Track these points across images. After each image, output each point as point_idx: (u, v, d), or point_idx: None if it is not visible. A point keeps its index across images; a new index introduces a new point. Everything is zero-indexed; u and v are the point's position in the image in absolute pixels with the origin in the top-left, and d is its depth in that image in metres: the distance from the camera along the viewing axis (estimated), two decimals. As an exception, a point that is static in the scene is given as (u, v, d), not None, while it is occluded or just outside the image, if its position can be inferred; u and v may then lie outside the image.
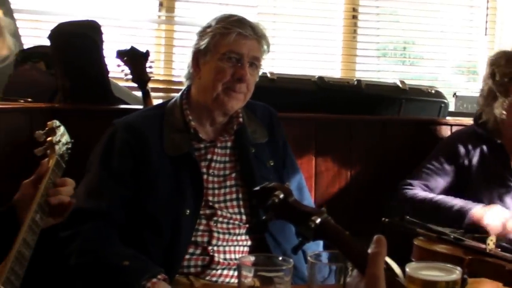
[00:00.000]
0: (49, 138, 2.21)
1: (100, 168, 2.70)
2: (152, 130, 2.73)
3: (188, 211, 2.63)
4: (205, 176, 2.72)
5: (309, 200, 3.00)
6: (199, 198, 2.68)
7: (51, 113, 3.57)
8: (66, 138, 2.30)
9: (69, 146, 2.31)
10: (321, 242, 2.54)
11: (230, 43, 2.69)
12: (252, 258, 1.86)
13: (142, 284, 2.32)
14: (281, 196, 1.54)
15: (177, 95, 2.89)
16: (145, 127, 2.73)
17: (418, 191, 3.36)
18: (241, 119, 2.80)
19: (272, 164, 2.85)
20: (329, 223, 1.51)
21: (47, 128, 2.24)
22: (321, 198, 3.71)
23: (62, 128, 2.30)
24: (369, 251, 1.38)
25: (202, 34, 2.76)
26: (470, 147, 3.42)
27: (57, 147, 2.20)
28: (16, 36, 4.44)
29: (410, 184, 3.40)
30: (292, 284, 1.83)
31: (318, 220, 1.49)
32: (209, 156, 2.76)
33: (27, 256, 1.82)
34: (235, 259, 2.68)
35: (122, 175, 2.66)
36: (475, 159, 3.40)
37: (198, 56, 2.76)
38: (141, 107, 3.47)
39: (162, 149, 2.69)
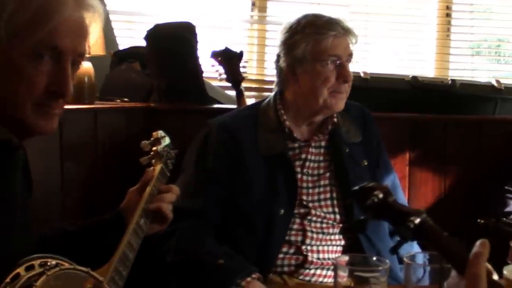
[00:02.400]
0: (154, 148, 2.28)
1: (195, 168, 2.75)
2: (246, 130, 2.75)
3: (282, 211, 2.64)
4: (299, 176, 2.73)
5: (402, 200, 2.98)
6: (293, 197, 2.69)
7: (146, 112, 3.65)
8: (170, 147, 2.35)
9: (173, 155, 2.36)
10: (415, 243, 2.52)
11: (327, 48, 2.65)
12: (348, 258, 1.85)
13: (237, 283, 2.35)
14: (381, 196, 1.54)
15: (270, 94, 2.90)
16: (240, 127, 2.76)
17: None
18: (335, 119, 2.79)
19: (366, 163, 2.83)
20: (428, 223, 1.50)
21: (152, 138, 2.30)
22: (414, 198, 3.68)
23: (167, 138, 2.36)
24: (472, 252, 1.36)
25: (292, 42, 2.72)
26: None
27: (162, 156, 2.26)
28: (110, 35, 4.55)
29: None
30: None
31: (418, 220, 1.48)
32: (303, 156, 2.76)
33: (131, 258, 1.86)
34: (329, 258, 2.68)
35: (217, 175, 2.71)
36: None
37: (294, 65, 2.73)
38: (234, 106, 3.50)
39: (257, 149, 2.71)
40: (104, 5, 4.58)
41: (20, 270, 1.46)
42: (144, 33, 3.80)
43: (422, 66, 5.67)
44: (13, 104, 1.64)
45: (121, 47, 4.66)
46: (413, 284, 1.76)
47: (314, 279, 2.67)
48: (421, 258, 1.82)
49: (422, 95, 3.78)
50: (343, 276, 1.76)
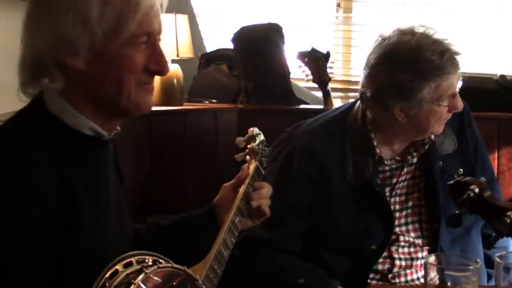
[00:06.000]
0: (249, 145, 2.28)
1: (274, 192, 2.40)
2: (333, 154, 2.54)
3: (374, 247, 2.51)
4: (389, 199, 2.58)
5: (499, 197, 2.78)
6: (388, 236, 2.53)
7: (234, 113, 3.69)
8: (265, 145, 2.36)
9: (268, 153, 2.37)
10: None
11: (448, 89, 2.43)
12: (438, 258, 1.84)
13: None
14: (476, 190, 1.53)
15: (356, 95, 2.66)
16: (326, 151, 2.54)
17: None
18: (432, 136, 2.56)
19: (461, 172, 2.59)
20: (525, 218, 1.49)
21: (247, 135, 2.31)
22: (502, 198, 3.63)
23: (261, 136, 2.34)
24: None
25: (408, 87, 2.41)
26: None
27: (256, 154, 2.28)
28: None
29: None
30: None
31: (515, 216, 1.47)
32: (394, 180, 2.59)
33: (225, 256, 1.89)
34: (417, 278, 2.57)
35: (298, 206, 2.55)
36: None
37: (408, 108, 2.45)
38: (321, 107, 3.51)
39: (344, 176, 2.51)
40: (192, 8, 4.71)
41: (119, 266, 1.50)
42: (231, 35, 3.85)
43: (510, 64, 5.59)
44: (118, 88, 1.71)
45: (208, 50, 4.72)
46: (505, 284, 1.75)
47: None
48: (513, 258, 1.80)
49: (510, 94, 3.73)
50: (434, 275, 1.76)
